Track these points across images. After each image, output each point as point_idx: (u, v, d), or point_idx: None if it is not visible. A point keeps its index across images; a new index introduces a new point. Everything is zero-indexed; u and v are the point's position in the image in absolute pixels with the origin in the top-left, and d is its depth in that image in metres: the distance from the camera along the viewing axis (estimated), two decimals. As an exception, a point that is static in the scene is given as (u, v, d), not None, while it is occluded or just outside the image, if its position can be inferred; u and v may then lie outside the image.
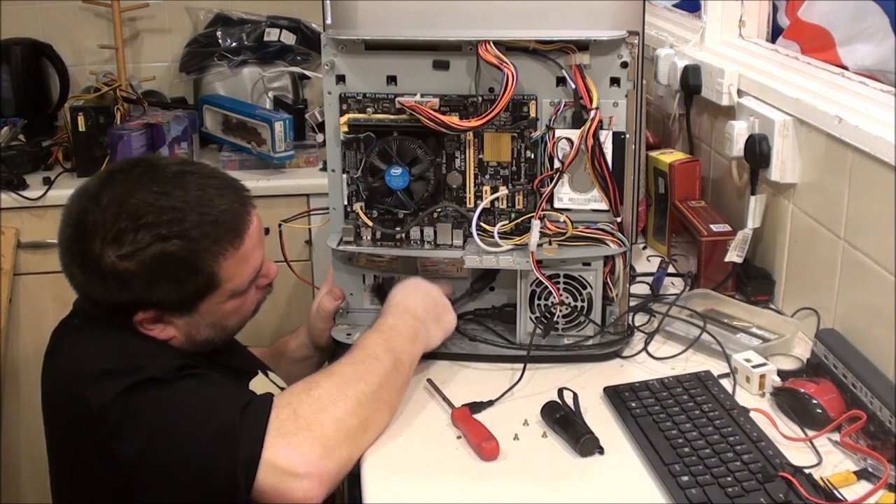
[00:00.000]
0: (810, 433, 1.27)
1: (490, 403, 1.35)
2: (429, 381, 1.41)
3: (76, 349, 1.29)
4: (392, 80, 1.44)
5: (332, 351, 1.62)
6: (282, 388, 1.48)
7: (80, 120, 2.34)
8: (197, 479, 1.15)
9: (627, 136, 1.41)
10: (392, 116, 1.44)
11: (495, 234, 1.45)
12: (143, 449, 1.16)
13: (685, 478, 1.16)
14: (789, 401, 1.32)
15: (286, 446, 1.15)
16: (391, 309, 1.40)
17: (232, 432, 1.14)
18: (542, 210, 1.41)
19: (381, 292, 1.50)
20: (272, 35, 2.70)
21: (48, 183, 2.31)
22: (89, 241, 1.24)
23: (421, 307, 1.41)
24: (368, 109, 1.45)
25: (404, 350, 1.34)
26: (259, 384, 1.44)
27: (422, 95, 1.41)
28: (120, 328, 1.30)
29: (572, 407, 1.32)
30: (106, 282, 1.24)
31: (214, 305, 1.31)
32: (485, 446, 1.22)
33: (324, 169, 2.08)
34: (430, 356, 1.45)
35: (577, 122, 1.39)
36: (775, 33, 1.92)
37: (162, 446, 1.16)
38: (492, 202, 1.47)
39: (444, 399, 1.36)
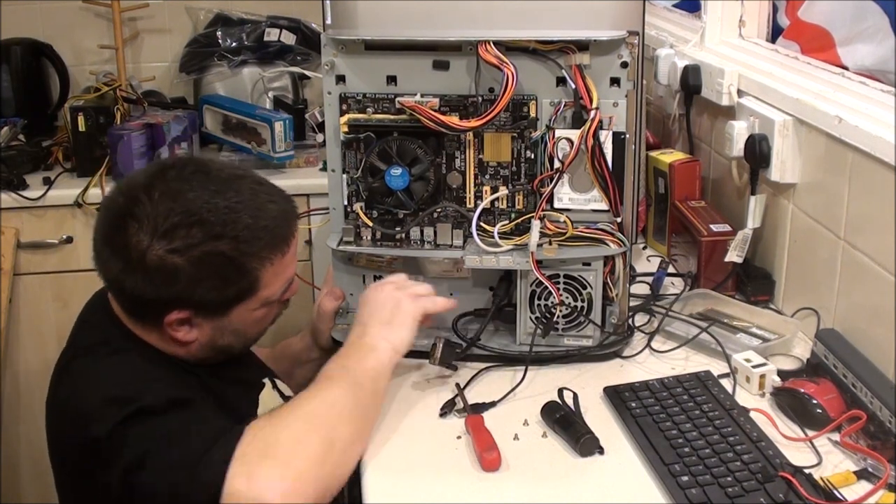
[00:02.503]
0: (810, 433, 1.27)
1: (493, 404, 1.36)
2: (457, 385, 1.40)
3: (84, 376, 1.26)
4: (392, 80, 1.44)
5: (332, 352, 1.63)
6: (289, 397, 1.47)
7: (80, 120, 2.34)
8: None
9: (627, 136, 1.41)
10: (392, 116, 1.44)
11: (495, 234, 1.45)
12: (122, 480, 1.14)
13: (685, 478, 1.16)
14: (789, 401, 1.32)
15: (248, 476, 1.10)
16: (353, 327, 1.38)
17: (198, 461, 1.11)
18: (542, 210, 1.41)
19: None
20: (272, 35, 2.69)
21: (48, 183, 2.31)
22: (137, 233, 1.21)
23: (375, 317, 1.35)
24: (368, 109, 1.45)
25: (358, 366, 1.29)
26: (266, 395, 1.42)
27: (422, 95, 1.41)
28: (131, 350, 1.28)
29: (572, 407, 1.32)
30: (149, 276, 1.22)
31: (245, 312, 1.31)
32: (486, 457, 1.22)
33: (324, 169, 2.08)
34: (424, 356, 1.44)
35: (577, 122, 1.39)
36: (775, 33, 1.92)
37: (138, 478, 1.13)
38: (492, 202, 1.47)
39: (465, 403, 1.35)
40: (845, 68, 1.63)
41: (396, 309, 1.35)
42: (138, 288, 1.24)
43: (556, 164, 1.40)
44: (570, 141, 1.38)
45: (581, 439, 1.24)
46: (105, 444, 1.15)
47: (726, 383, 1.38)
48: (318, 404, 1.21)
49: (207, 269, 1.23)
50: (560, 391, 1.35)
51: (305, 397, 1.23)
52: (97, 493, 1.19)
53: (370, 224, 1.48)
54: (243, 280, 1.27)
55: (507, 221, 1.46)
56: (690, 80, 1.90)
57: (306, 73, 2.65)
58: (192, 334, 1.29)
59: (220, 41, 2.68)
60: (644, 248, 1.94)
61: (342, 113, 1.46)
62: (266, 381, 1.45)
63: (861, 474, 1.17)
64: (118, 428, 1.14)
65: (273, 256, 1.28)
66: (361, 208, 1.48)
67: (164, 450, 1.14)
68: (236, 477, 1.10)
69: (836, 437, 1.25)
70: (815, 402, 1.29)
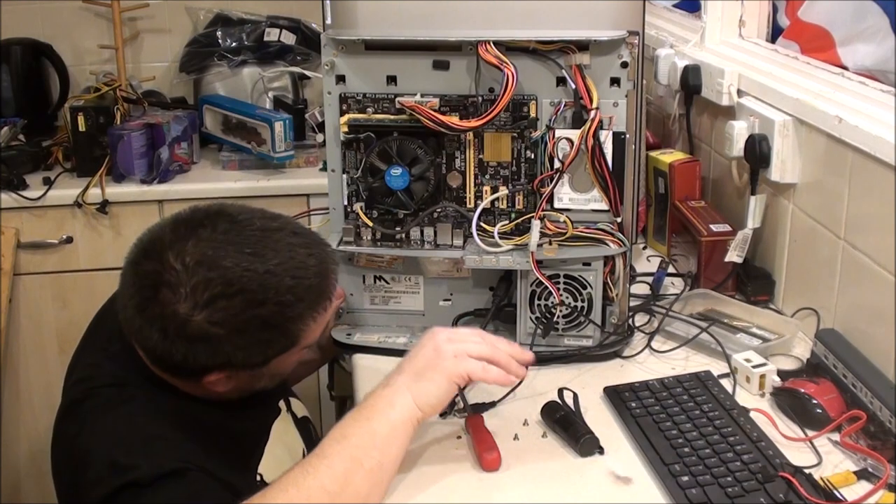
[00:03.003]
0: (810, 433, 1.27)
1: (493, 404, 1.35)
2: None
3: (96, 421, 1.21)
4: (392, 80, 1.44)
5: (332, 352, 1.63)
6: (303, 418, 1.47)
7: (80, 120, 2.34)
8: None
9: (627, 136, 1.41)
10: (392, 116, 1.44)
11: (495, 234, 1.45)
12: None
13: (685, 478, 1.16)
14: (789, 401, 1.32)
15: None
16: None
17: None
18: (542, 210, 1.41)
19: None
20: (272, 35, 2.70)
21: (48, 183, 2.32)
22: (173, 303, 1.17)
23: (409, 363, 1.21)
24: (368, 109, 1.45)
25: (363, 431, 1.15)
26: (279, 424, 1.41)
27: (422, 95, 1.41)
28: (149, 401, 1.24)
29: (572, 407, 1.32)
30: (190, 345, 1.18)
31: (284, 360, 1.28)
32: (486, 457, 1.22)
33: (324, 169, 2.08)
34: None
35: (577, 122, 1.39)
36: (775, 33, 1.92)
37: None
38: (492, 202, 1.47)
39: (465, 403, 1.35)
40: (845, 68, 1.63)
41: (434, 361, 1.19)
42: (177, 356, 1.20)
43: (556, 164, 1.40)
44: (570, 141, 1.38)
45: (581, 439, 1.24)
46: None
47: (726, 383, 1.38)
48: (295, 494, 1.08)
49: (251, 336, 1.20)
50: (560, 391, 1.35)
51: (284, 483, 1.10)
52: None
53: (370, 224, 1.48)
54: (287, 340, 1.25)
55: (507, 221, 1.46)
56: (690, 80, 1.90)
57: (306, 73, 2.65)
58: (228, 385, 1.26)
59: (220, 41, 2.69)
60: (644, 248, 1.94)
61: (342, 113, 1.46)
62: (281, 403, 1.44)
63: (861, 474, 1.17)
64: (108, 499, 1.11)
65: (316, 314, 1.26)
66: (361, 208, 1.48)
67: None
68: None
69: (836, 437, 1.25)
70: (815, 402, 1.29)
